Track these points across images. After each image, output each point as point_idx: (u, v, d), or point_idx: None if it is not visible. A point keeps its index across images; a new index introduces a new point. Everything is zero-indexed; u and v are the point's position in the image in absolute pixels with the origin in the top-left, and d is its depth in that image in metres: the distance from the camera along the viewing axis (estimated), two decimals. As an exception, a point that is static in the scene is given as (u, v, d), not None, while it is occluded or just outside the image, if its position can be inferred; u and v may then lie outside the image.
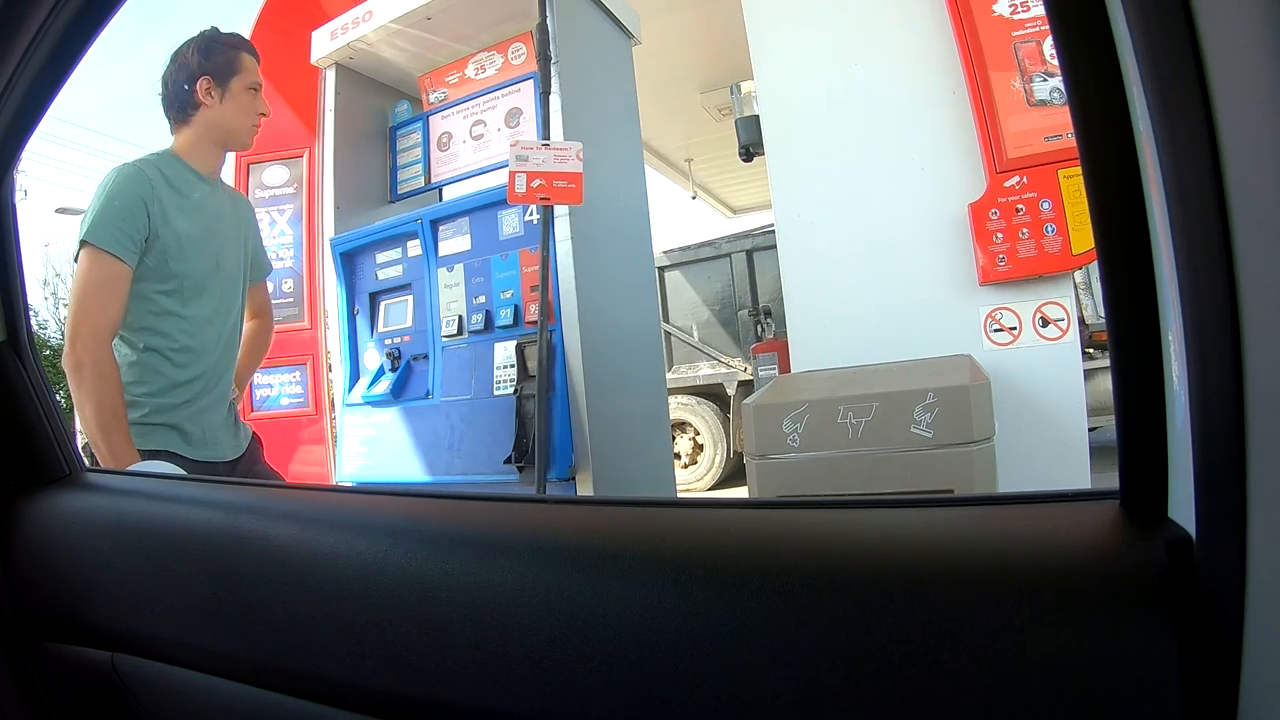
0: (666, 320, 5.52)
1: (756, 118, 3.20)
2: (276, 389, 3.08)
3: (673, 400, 5.12)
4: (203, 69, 1.47)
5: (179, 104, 1.49)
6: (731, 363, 5.38)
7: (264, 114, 1.54)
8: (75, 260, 1.37)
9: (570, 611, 0.46)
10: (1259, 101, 0.25)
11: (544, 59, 1.83)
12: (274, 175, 3.16)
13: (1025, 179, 1.93)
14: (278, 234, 3.13)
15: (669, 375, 5.34)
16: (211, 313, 1.49)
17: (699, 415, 5.39)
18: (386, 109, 2.49)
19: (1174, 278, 0.30)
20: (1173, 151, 0.29)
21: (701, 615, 0.42)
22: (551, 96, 1.83)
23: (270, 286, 3.04)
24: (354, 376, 2.24)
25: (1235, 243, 0.27)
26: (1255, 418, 0.28)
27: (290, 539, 0.60)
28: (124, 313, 1.37)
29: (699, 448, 5.41)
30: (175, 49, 1.50)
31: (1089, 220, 0.36)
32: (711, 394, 5.42)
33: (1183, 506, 0.34)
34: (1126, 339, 0.36)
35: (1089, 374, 2.17)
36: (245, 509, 0.66)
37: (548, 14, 1.84)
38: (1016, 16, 1.98)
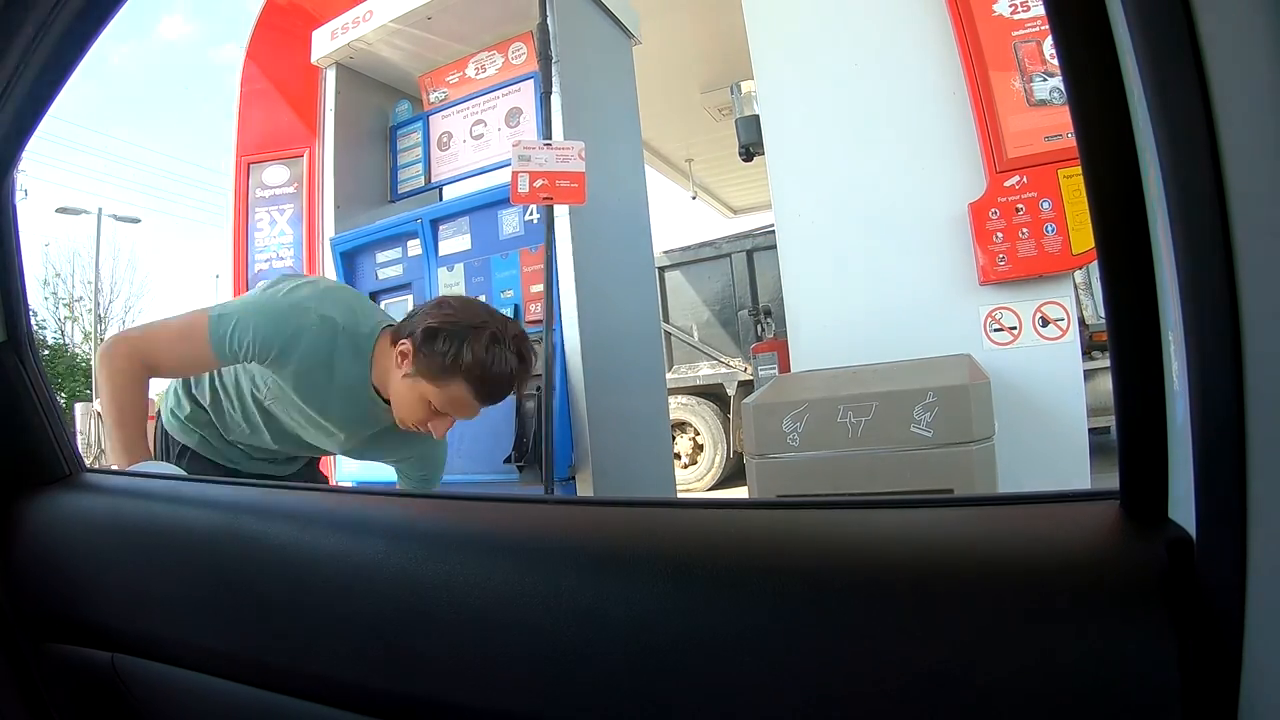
0: (666, 320, 5.52)
1: (756, 117, 3.20)
2: (277, 389, 3.08)
3: (673, 400, 5.12)
4: (437, 363, 1.22)
5: (407, 333, 1.26)
6: (731, 363, 5.37)
7: (434, 435, 1.31)
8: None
9: (570, 611, 0.46)
10: (1259, 101, 0.25)
11: (544, 59, 1.83)
12: (274, 175, 3.16)
13: (1025, 179, 1.93)
14: (278, 234, 3.12)
15: (669, 375, 5.34)
16: (281, 432, 1.41)
17: (699, 415, 5.39)
18: (387, 108, 2.49)
19: (1174, 278, 0.30)
20: (1173, 151, 0.29)
21: (701, 615, 0.42)
22: (552, 96, 1.83)
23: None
24: (354, 376, 2.23)
25: (1235, 243, 0.27)
26: (1255, 418, 0.28)
27: (290, 539, 0.60)
28: (173, 376, 1.39)
29: (699, 448, 5.41)
30: (477, 317, 1.25)
31: (1089, 220, 0.36)
32: (711, 394, 5.42)
33: (1183, 506, 0.34)
34: (1126, 339, 0.36)
35: (1089, 374, 2.16)
36: (245, 509, 0.66)
37: (548, 14, 1.84)
38: (1016, 16, 1.98)
